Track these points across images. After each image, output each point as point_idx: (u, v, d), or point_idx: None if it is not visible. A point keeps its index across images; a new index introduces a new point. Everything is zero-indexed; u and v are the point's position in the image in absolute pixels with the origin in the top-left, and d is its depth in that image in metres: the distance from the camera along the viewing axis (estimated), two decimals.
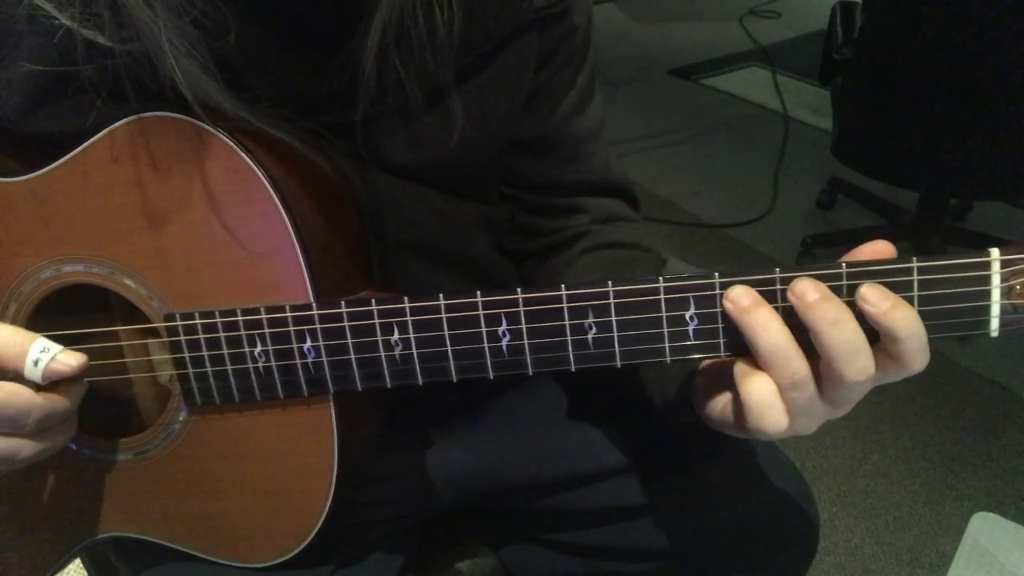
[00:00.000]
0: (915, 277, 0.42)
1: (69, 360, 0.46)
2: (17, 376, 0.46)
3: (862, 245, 0.45)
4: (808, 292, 0.42)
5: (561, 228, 0.66)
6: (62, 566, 0.58)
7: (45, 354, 0.45)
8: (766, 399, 0.43)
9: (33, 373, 0.45)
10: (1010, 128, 1.53)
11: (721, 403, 0.49)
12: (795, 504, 0.68)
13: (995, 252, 0.42)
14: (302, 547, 0.54)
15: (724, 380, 0.48)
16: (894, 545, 1.38)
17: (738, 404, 0.46)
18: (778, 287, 0.44)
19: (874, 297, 0.41)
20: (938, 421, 1.58)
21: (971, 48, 1.47)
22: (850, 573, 1.34)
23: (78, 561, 0.67)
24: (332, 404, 0.50)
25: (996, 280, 0.42)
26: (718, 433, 0.68)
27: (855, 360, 0.42)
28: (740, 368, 0.44)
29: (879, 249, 0.44)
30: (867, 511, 1.44)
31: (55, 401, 0.47)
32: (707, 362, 0.52)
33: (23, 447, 0.46)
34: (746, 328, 0.43)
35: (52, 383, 0.48)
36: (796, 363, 0.42)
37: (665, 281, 0.44)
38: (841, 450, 1.56)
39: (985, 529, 1.39)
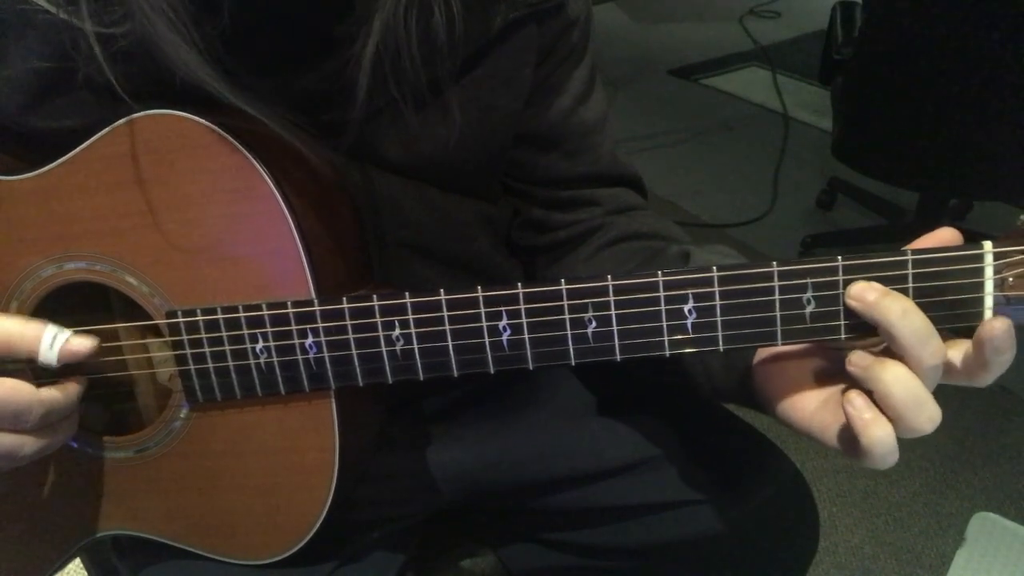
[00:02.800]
0: (910, 270, 0.43)
1: (83, 342, 0.46)
2: (22, 371, 0.46)
3: (927, 235, 0.45)
4: (867, 292, 0.42)
5: (574, 221, 0.66)
6: (62, 565, 0.58)
7: (59, 337, 0.46)
8: (889, 443, 0.43)
9: (49, 356, 0.46)
10: (1010, 128, 1.53)
11: (812, 405, 0.47)
12: (795, 504, 0.68)
13: (988, 244, 0.42)
14: (303, 544, 0.54)
15: (800, 381, 0.48)
16: (894, 545, 1.38)
17: (833, 421, 0.46)
18: (776, 283, 0.44)
19: (1000, 334, 0.41)
20: None
21: (971, 47, 1.47)
22: (850, 573, 1.33)
23: (78, 561, 0.67)
24: (333, 400, 0.50)
25: (989, 272, 0.42)
26: (716, 432, 0.69)
27: (929, 344, 0.42)
28: (860, 417, 0.43)
29: (945, 237, 0.44)
30: (867, 511, 1.44)
31: (57, 397, 0.47)
32: (763, 358, 0.51)
33: (25, 443, 0.46)
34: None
35: (52, 380, 0.48)
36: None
37: (664, 275, 0.45)
38: None
39: (985, 529, 1.39)
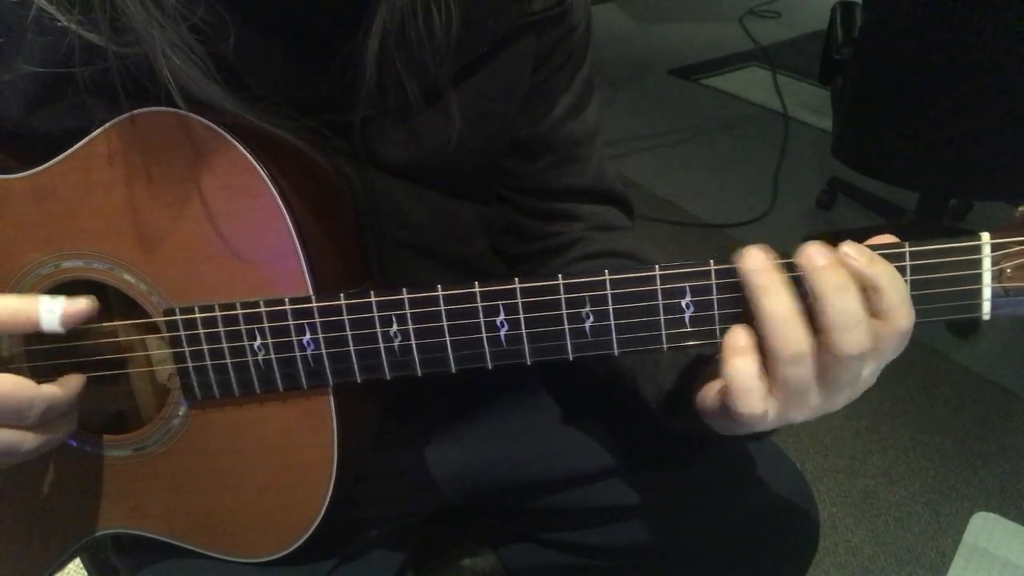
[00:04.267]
0: (908, 262, 0.43)
1: (80, 304, 0.47)
2: (21, 368, 0.46)
3: (867, 241, 0.44)
4: (817, 256, 0.41)
5: (555, 233, 0.66)
6: (62, 565, 0.58)
7: (57, 303, 0.46)
8: (748, 380, 0.42)
9: (52, 323, 0.46)
10: (1010, 128, 1.53)
11: (713, 390, 0.47)
12: (795, 504, 0.68)
13: (985, 236, 0.42)
14: (302, 541, 0.54)
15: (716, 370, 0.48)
16: (894, 545, 1.38)
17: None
18: None
19: (854, 251, 0.41)
20: (938, 421, 1.58)
21: (971, 48, 1.47)
22: (850, 573, 1.33)
23: (78, 560, 0.67)
24: (331, 397, 0.50)
25: (987, 263, 0.42)
26: (717, 433, 0.69)
27: (854, 331, 0.40)
28: (728, 344, 0.43)
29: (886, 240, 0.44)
30: (867, 511, 1.44)
31: (57, 394, 0.47)
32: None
33: (25, 439, 0.46)
34: (752, 289, 0.42)
35: (52, 377, 0.48)
36: (799, 332, 0.41)
37: (661, 269, 0.45)
38: (841, 450, 1.56)
39: (985, 529, 1.39)
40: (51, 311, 0.46)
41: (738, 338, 0.43)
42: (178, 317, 0.50)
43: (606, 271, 0.45)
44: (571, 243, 0.66)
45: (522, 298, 0.46)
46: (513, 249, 0.68)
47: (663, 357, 0.55)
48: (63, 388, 0.48)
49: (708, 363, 0.51)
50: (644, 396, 0.57)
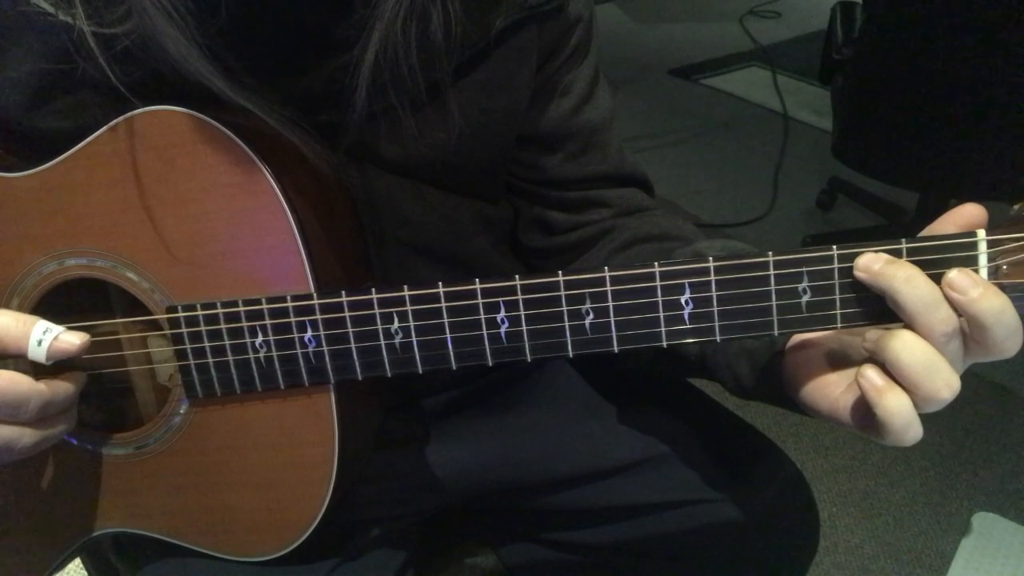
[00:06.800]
0: (904, 259, 0.43)
1: (72, 339, 0.46)
2: (18, 363, 0.46)
3: (951, 212, 0.44)
4: (872, 262, 0.42)
5: (585, 223, 0.66)
6: (62, 565, 0.58)
7: (48, 334, 0.46)
8: (906, 414, 0.42)
9: (37, 353, 0.45)
10: (1009, 128, 1.53)
11: (837, 390, 0.47)
12: (795, 504, 0.68)
13: (981, 232, 0.42)
14: (303, 539, 0.54)
15: (826, 366, 0.47)
16: (894, 545, 1.38)
17: (858, 402, 0.45)
18: (772, 272, 0.44)
19: (961, 284, 0.41)
20: (938, 421, 1.58)
21: (971, 47, 1.47)
22: (850, 573, 1.33)
23: (78, 561, 0.67)
24: (332, 395, 0.50)
25: (983, 260, 0.42)
26: (716, 432, 0.69)
27: (937, 311, 0.41)
28: (873, 385, 0.42)
29: (971, 212, 0.44)
30: (867, 511, 1.44)
31: (55, 389, 0.47)
32: (796, 343, 0.50)
33: (23, 436, 0.46)
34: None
35: (52, 372, 0.48)
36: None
37: (660, 266, 0.45)
38: (841, 450, 1.56)
39: (985, 529, 1.39)
40: (41, 341, 0.45)
41: (875, 378, 0.42)
42: (180, 314, 0.50)
43: (606, 267, 0.45)
44: (604, 232, 0.65)
45: (523, 295, 0.46)
46: (544, 244, 0.67)
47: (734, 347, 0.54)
48: (61, 385, 0.48)
49: (804, 360, 0.50)
50: (718, 377, 0.56)
